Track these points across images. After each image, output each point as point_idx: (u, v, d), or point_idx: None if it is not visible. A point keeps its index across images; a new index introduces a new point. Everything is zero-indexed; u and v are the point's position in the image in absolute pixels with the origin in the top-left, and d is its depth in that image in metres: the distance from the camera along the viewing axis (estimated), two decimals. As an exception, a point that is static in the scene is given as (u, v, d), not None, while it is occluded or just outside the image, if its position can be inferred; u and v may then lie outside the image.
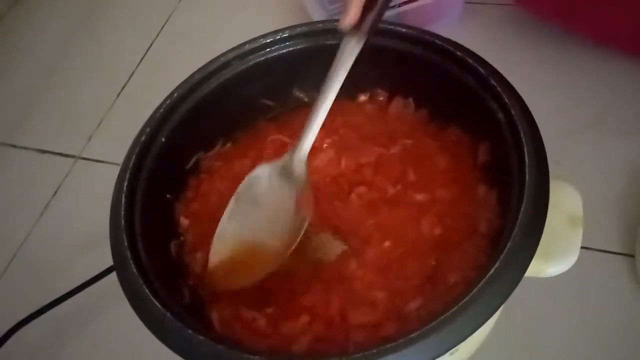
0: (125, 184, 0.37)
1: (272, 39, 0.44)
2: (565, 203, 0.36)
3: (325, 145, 0.44)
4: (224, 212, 0.39)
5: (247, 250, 0.38)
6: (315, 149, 0.43)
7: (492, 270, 0.30)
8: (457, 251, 0.37)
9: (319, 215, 0.40)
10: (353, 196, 0.41)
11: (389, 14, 0.62)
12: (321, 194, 0.42)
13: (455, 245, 0.37)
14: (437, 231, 0.38)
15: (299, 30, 0.44)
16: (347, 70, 0.37)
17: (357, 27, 0.36)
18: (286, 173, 0.39)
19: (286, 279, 0.38)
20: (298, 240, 0.37)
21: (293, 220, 0.38)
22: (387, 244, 0.38)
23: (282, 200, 0.39)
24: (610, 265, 0.48)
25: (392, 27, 0.42)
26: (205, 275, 0.39)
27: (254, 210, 0.39)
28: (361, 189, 0.41)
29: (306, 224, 0.37)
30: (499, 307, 0.30)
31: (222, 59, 0.43)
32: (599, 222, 0.49)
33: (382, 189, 0.41)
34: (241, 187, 0.39)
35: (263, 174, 0.40)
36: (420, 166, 0.41)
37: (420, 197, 0.40)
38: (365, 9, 0.36)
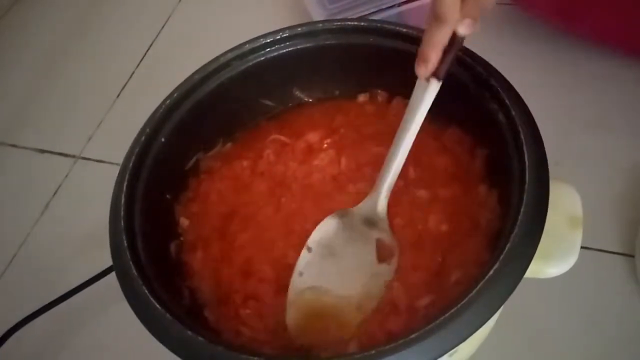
0: (125, 184, 0.37)
1: (272, 39, 0.44)
2: (565, 204, 0.36)
3: (325, 145, 0.44)
4: (296, 265, 0.38)
5: (326, 304, 0.37)
6: (315, 149, 0.44)
7: (492, 271, 0.30)
8: (460, 249, 0.37)
9: (322, 214, 0.40)
10: (354, 193, 0.41)
11: (389, 14, 0.62)
12: (322, 192, 0.42)
13: (458, 242, 0.37)
14: (444, 227, 0.38)
15: (299, 30, 0.44)
16: (424, 115, 0.36)
17: (434, 71, 0.35)
18: (365, 221, 0.38)
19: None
20: (384, 291, 0.36)
21: (376, 269, 0.37)
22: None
23: (363, 250, 0.38)
24: (609, 265, 0.48)
25: (392, 26, 0.42)
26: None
27: (332, 261, 0.38)
28: (361, 185, 0.41)
29: (393, 272, 0.36)
30: (499, 308, 0.30)
31: (222, 59, 0.43)
32: (598, 222, 0.49)
33: None
34: (314, 237, 0.38)
35: (336, 223, 0.39)
36: (420, 165, 0.41)
37: (422, 193, 0.40)
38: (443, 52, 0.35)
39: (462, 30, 0.34)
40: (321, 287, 0.37)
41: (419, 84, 0.36)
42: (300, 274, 0.37)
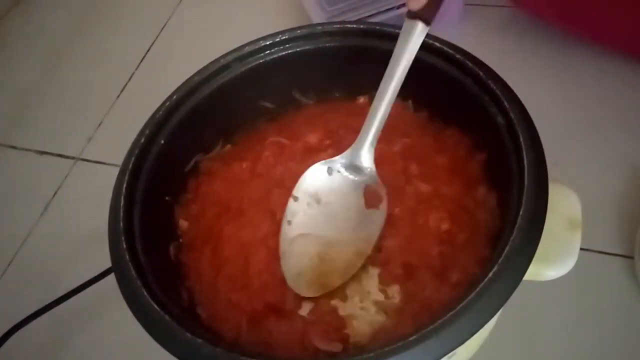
0: (125, 185, 0.37)
1: (271, 41, 0.44)
2: (564, 206, 0.36)
3: (324, 146, 0.44)
4: (284, 215, 0.38)
5: (320, 252, 0.37)
6: (315, 149, 0.44)
7: (491, 274, 0.30)
8: (460, 249, 0.37)
9: None
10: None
11: (387, 16, 0.62)
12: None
13: (458, 242, 0.37)
14: (445, 226, 0.38)
15: (298, 32, 0.44)
16: (412, 58, 0.35)
17: (421, 12, 0.34)
18: (351, 167, 0.38)
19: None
20: (379, 234, 0.36)
21: (364, 215, 0.37)
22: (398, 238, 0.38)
23: (350, 196, 0.38)
24: (609, 266, 0.48)
25: (391, 29, 0.42)
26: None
27: (318, 209, 0.38)
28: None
29: (384, 216, 0.36)
30: (498, 311, 0.30)
31: (222, 61, 0.43)
32: (597, 224, 0.49)
33: (385, 180, 0.40)
34: (300, 186, 0.39)
35: (322, 172, 0.39)
36: (422, 163, 0.41)
37: (425, 187, 0.40)
38: None
39: None
40: (311, 234, 0.38)
41: (406, 26, 0.35)
42: (289, 222, 0.38)
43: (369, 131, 0.37)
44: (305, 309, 0.36)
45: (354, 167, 0.38)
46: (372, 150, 0.38)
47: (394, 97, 0.37)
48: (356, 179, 0.38)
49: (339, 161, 0.39)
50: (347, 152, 0.39)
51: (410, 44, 0.35)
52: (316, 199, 0.39)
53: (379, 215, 0.37)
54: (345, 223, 0.38)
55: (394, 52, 0.36)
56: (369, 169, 0.38)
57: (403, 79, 0.36)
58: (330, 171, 0.39)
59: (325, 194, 0.39)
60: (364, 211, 0.38)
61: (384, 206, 0.37)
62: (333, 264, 0.37)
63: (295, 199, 0.39)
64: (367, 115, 0.37)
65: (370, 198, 0.38)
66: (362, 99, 0.47)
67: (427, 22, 0.35)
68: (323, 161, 0.39)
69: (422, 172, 0.40)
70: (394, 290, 0.37)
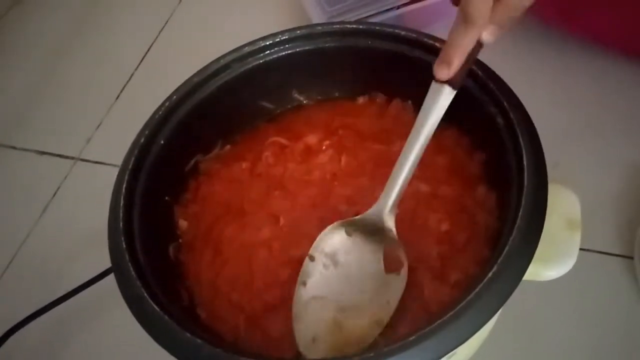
0: (124, 185, 0.37)
1: (271, 42, 0.44)
2: (563, 207, 0.36)
3: (324, 146, 0.44)
4: (299, 275, 0.36)
5: (336, 317, 0.35)
6: (314, 151, 0.44)
7: (490, 274, 0.30)
8: (460, 249, 0.37)
9: (323, 209, 0.40)
10: (356, 187, 0.41)
11: (387, 16, 0.62)
12: (322, 187, 0.42)
13: (458, 243, 0.37)
14: (444, 227, 0.38)
15: (298, 32, 0.44)
16: (438, 121, 0.35)
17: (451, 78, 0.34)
18: (371, 230, 0.37)
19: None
20: (398, 301, 0.35)
21: (384, 280, 0.36)
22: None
23: (370, 260, 0.36)
24: (608, 267, 0.48)
25: (390, 29, 0.42)
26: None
27: (336, 271, 0.37)
28: (363, 180, 0.41)
29: (404, 283, 0.35)
30: (497, 311, 0.30)
31: (221, 62, 0.43)
32: (597, 224, 0.49)
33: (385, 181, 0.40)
34: (317, 246, 0.37)
35: (340, 232, 0.37)
36: (421, 163, 0.41)
37: (425, 187, 0.40)
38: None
39: (486, 36, 0.33)
40: (327, 298, 0.36)
41: (433, 90, 0.35)
42: (304, 283, 0.36)
43: (392, 192, 0.36)
44: None
45: (374, 229, 0.37)
46: (394, 212, 0.36)
47: (419, 158, 0.35)
48: (377, 241, 0.37)
49: (359, 222, 0.37)
50: (368, 213, 0.37)
51: (437, 108, 0.35)
52: (333, 260, 0.37)
53: (399, 282, 0.35)
54: (363, 288, 0.36)
55: (419, 115, 0.35)
56: (390, 231, 0.36)
57: (428, 142, 0.35)
58: (349, 232, 0.38)
59: (344, 255, 0.37)
60: (383, 276, 0.36)
61: (404, 271, 0.35)
62: (349, 332, 0.35)
63: (312, 258, 0.37)
64: (391, 175, 0.36)
65: (390, 262, 0.36)
66: (362, 100, 0.47)
67: (455, 87, 0.34)
68: (342, 221, 0.38)
69: (422, 172, 0.40)
70: None
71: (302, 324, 0.35)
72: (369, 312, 0.35)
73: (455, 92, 0.35)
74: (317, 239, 0.37)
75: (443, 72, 0.34)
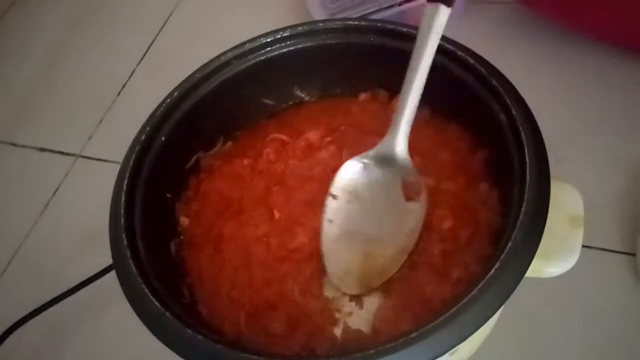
0: (125, 182, 0.37)
1: (272, 38, 0.44)
2: (566, 203, 0.36)
3: (325, 143, 0.44)
4: (324, 214, 0.37)
5: (366, 249, 0.36)
6: (315, 147, 0.44)
7: (492, 270, 0.30)
8: (462, 247, 0.37)
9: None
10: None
11: (389, 13, 0.62)
12: (323, 183, 0.41)
13: (461, 240, 0.37)
14: (447, 224, 0.38)
15: (299, 29, 0.44)
16: (438, 40, 0.35)
17: None
18: (386, 161, 0.37)
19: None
20: (421, 228, 0.35)
21: (405, 208, 0.36)
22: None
23: (390, 190, 0.37)
24: (611, 264, 0.48)
25: (392, 26, 0.42)
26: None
27: (360, 205, 0.37)
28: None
29: (425, 209, 0.36)
30: (499, 308, 0.30)
31: (223, 58, 0.43)
32: (600, 221, 0.49)
33: None
34: (337, 184, 0.38)
35: (357, 167, 0.38)
36: (425, 157, 0.41)
37: (428, 181, 0.40)
38: None
39: None
40: (356, 231, 0.37)
41: (428, 11, 0.35)
42: (330, 221, 0.37)
43: (400, 121, 0.36)
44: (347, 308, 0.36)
45: (389, 160, 0.37)
46: (406, 141, 0.37)
47: (423, 84, 0.36)
48: (393, 171, 0.37)
49: (373, 155, 0.38)
50: (380, 145, 0.38)
51: (434, 27, 0.35)
52: (356, 195, 0.38)
53: (419, 208, 0.36)
54: (387, 218, 0.37)
55: (417, 38, 0.35)
56: (405, 160, 0.37)
57: (430, 64, 0.35)
58: (365, 166, 0.38)
59: (364, 190, 0.38)
60: (404, 205, 0.37)
61: (424, 198, 0.36)
62: (377, 262, 0.36)
63: (335, 197, 0.38)
64: (397, 104, 0.36)
65: (409, 190, 0.37)
66: (363, 96, 0.46)
67: (449, 4, 0.34)
68: (357, 156, 0.38)
69: (425, 167, 0.40)
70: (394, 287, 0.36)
71: (334, 260, 0.36)
72: (395, 241, 0.36)
73: (450, 10, 0.35)
74: (335, 177, 0.38)
75: None
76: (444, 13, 0.35)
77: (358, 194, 0.38)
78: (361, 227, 0.37)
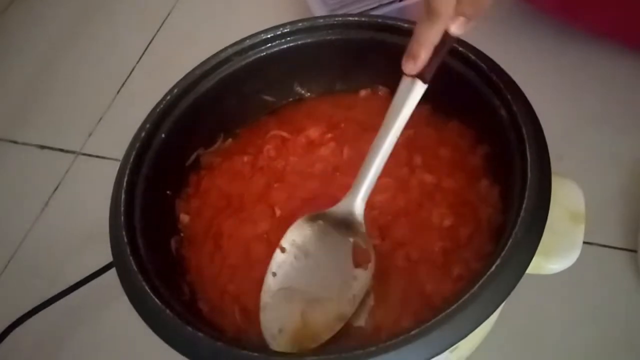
0: (125, 180, 0.37)
1: (272, 35, 0.43)
2: (567, 200, 0.36)
3: (325, 139, 0.44)
4: (269, 266, 0.36)
5: (303, 309, 0.35)
6: (315, 144, 0.44)
7: (494, 267, 0.30)
8: (463, 244, 0.37)
9: (329, 201, 0.39)
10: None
11: (389, 9, 0.61)
12: (324, 180, 0.41)
13: (461, 237, 0.37)
14: (447, 222, 0.38)
15: (299, 25, 0.44)
16: (409, 115, 0.35)
17: (419, 72, 0.34)
18: (341, 222, 0.37)
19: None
20: (363, 296, 0.35)
21: (351, 274, 0.36)
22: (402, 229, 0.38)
23: (339, 253, 0.37)
24: (612, 260, 0.48)
25: (393, 22, 0.42)
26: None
27: (306, 263, 0.37)
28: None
29: (370, 279, 0.35)
30: (500, 304, 0.30)
31: (222, 55, 0.43)
32: (601, 217, 0.49)
33: (390, 171, 0.39)
34: (287, 237, 0.37)
35: (311, 225, 0.37)
36: (425, 154, 0.41)
37: (429, 178, 0.40)
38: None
39: (454, 29, 0.33)
40: (295, 289, 0.36)
41: (404, 83, 0.35)
42: (274, 274, 0.36)
43: (361, 185, 0.36)
44: None
45: (345, 223, 0.37)
46: (364, 205, 0.36)
47: (389, 152, 0.35)
48: (346, 234, 0.37)
49: (330, 215, 0.37)
50: (339, 206, 0.37)
51: (408, 102, 0.35)
52: (305, 252, 0.37)
53: (365, 277, 0.36)
54: (331, 280, 0.36)
55: (390, 107, 0.35)
56: (360, 225, 0.36)
57: (398, 135, 0.35)
58: (320, 225, 0.37)
59: (314, 248, 0.37)
60: (352, 270, 0.36)
61: (371, 267, 0.36)
62: (312, 325, 0.35)
63: (283, 250, 0.37)
64: (361, 168, 0.36)
65: (359, 257, 0.36)
66: (363, 92, 0.46)
67: (425, 81, 0.35)
68: (313, 213, 0.38)
69: (426, 164, 0.40)
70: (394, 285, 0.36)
71: (270, 315, 0.35)
72: (335, 305, 0.35)
73: (426, 86, 0.35)
74: (289, 230, 0.38)
75: (409, 66, 0.34)
76: (419, 89, 0.35)
77: (307, 252, 0.37)
78: (303, 286, 0.36)
